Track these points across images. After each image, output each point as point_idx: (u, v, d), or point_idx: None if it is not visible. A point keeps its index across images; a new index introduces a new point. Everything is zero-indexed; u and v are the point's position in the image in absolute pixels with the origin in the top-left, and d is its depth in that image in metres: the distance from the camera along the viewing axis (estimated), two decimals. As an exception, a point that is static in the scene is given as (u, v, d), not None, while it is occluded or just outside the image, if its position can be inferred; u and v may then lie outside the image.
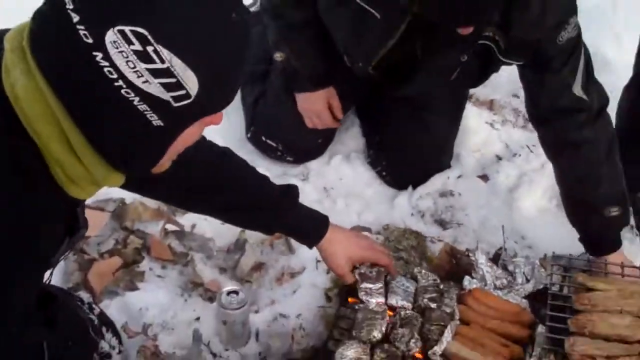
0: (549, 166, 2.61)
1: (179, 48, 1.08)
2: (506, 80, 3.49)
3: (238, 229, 2.68)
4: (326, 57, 2.70)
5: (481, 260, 2.32)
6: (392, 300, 2.19)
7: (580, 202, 2.43)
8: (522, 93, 2.58)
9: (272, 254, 2.73)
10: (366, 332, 2.05)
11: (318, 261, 2.58)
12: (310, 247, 2.14)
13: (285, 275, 2.66)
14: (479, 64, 2.41)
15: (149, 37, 1.06)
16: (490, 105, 3.63)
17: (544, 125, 2.41)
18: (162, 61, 1.08)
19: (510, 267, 2.37)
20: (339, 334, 2.15)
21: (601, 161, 2.33)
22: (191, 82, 1.11)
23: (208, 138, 1.91)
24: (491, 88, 3.54)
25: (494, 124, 3.53)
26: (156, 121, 1.15)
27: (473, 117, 3.42)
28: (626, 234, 2.73)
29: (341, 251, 2.14)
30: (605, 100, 2.31)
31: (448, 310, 2.18)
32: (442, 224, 2.98)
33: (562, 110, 2.28)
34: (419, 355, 2.01)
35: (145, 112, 1.13)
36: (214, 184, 1.96)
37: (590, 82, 2.26)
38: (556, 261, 2.36)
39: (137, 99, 1.11)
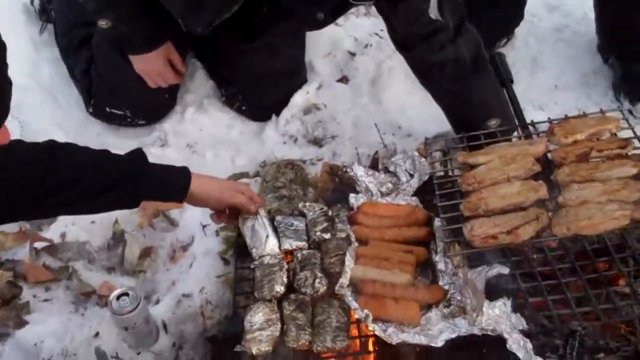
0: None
1: None
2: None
3: (111, 222, 2.51)
4: (156, 16, 2.48)
5: (360, 172, 2.23)
6: (286, 245, 2.08)
7: (460, 120, 2.40)
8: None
9: (156, 234, 2.56)
10: (268, 289, 1.94)
11: (204, 225, 2.45)
12: (180, 201, 1.99)
13: (177, 250, 2.51)
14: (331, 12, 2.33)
15: None
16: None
17: (407, 51, 2.39)
18: None
19: (392, 168, 2.29)
20: (244, 299, 2.03)
21: (468, 77, 2.31)
22: None
23: (48, 130, 1.68)
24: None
25: (337, 21, 3.37)
26: None
27: (314, 21, 3.26)
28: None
29: (215, 192, 2.04)
30: (460, 18, 2.28)
31: (343, 235, 2.09)
32: (317, 142, 2.86)
33: (421, 35, 2.27)
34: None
35: None
36: (52, 183, 1.77)
37: (444, 2, 2.21)
38: (433, 147, 2.28)
39: None
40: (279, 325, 1.86)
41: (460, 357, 1.80)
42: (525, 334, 1.77)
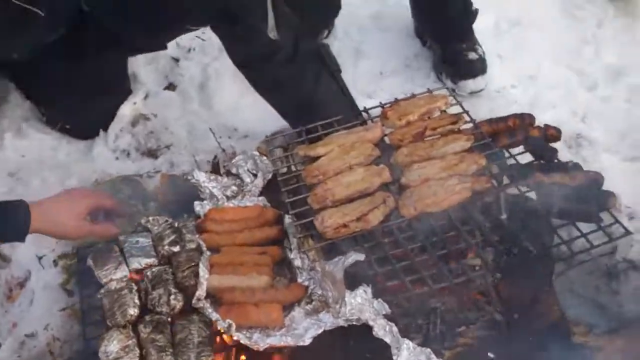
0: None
1: None
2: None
3: None
4: None
5: (202, 178, 2.16)
6: (134, 264, 1.97)
7: (297, 117, 2.38)
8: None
9: (-12, 273, 2.35)
10: (120, 315, 1.83)
11: (40, 257, 2.28)
12: (23, 239, 1.85)
13: (14, 288, 2.32)
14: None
15: None
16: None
17: (246, 68, 2.39)
18: None
19: (234, 170, 2.24)
20: (95, 329, 1.91)
21: (308, 86, 2.33)
22: None
23: None
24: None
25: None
26: None
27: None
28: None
29: (66, 215, 1.90)
30: (296, 36, 2.28)
31: (193, 245, 2.01)
32: (152, 153, 2.75)
33: (260, 55, 2.26)
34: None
35: None
36: None
37: (281, 21, 2.19)
38: (273, 144, 2.25)
39: None
40: (137, 351, 1.77)
41: (329, 351, 1.77)
42: (389, 318, 1.77)
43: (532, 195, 2.03)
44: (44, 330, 2.12)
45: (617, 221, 1.97)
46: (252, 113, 2.89)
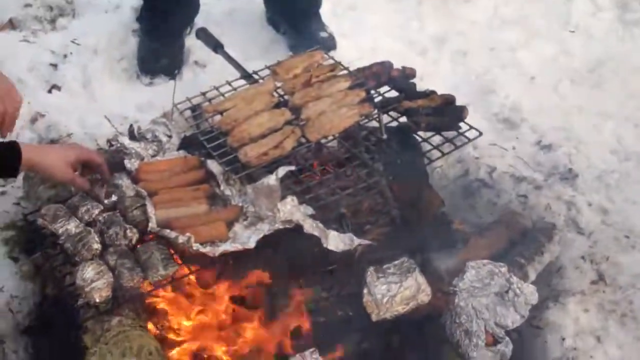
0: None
1: None
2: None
3: None
4: None
5: (126, 142, 2.45)
6: (86, 216, 2.22)
7: None
8: None
9: None
10: (86, 251, 2.10)
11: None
12: (16, 175, 2.05)
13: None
14: None
15: None
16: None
17: None
18: None
19: (149, 135, 2.54)
20: (59, 274, 2.15)
21: None
22: None
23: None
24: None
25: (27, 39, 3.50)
26: None
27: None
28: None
29: (57, 160, 2.09)
30: None
31: (131, 193, 2.30)
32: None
33: None
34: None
35: None
36: None
37: None
38: (182, 108, 2.59)
39: None
40: (110, 274, 2.04)
41: (272, 249, 2.15)
42: (314, 217, 2.18)
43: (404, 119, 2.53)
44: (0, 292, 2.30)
45: (471, 127, 2.50)
46: (133, 102, 3.23)
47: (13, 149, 1.98)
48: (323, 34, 3.40)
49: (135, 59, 3.41)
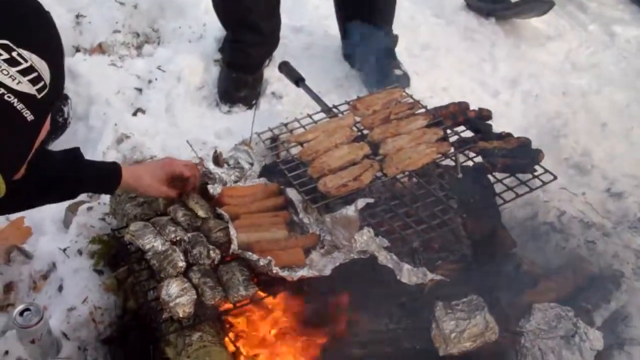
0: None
1: (34, 46, 1.37)
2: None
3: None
4: None
5: (211, 167, 2.56)
6: (172, 235, 2.34)
7: None
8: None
9: (13, 269, 2.65)
10: (171, 268, 2.20)
11: (64, 249, 2.62)
12: (113, 192, 2.34)
13: (37, 280, 2.62)
14: None
15: (11, 44, 1.33)
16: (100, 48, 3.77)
17: None
18: (25, 60, 1.35)
19: (232, 162, 2.65)
20: (144, 289, 2.26)
21: None
22: (45, 72, 1.39)
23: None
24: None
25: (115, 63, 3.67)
26: (29, 116, 1.37)
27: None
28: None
29: (150, 181, 2.32)
30: None
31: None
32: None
33: None
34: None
35: (22, 110, 1.36)
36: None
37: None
38: (263, 137, 2.71)
39: (15, 100, 1.34)
40: (194, 291, 2.14)
41: (347, 277, 2.22)
42: (389, 249, 2.25)
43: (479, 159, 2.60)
44: (84, 304, 2.43)
45: (546, 170, 2.55)
46: (212, 129, 3.36)
47: (115, 170, 2.16)
48: (397, 72, 3.49)
49: (216, 87, 3.55)
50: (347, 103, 2.80)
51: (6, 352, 2.23)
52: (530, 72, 3.86)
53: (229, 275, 2.19)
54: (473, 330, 2.21)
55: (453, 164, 2.54)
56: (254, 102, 3.49)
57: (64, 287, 2.54)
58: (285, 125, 2.76)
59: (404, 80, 3.48)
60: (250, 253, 2.19)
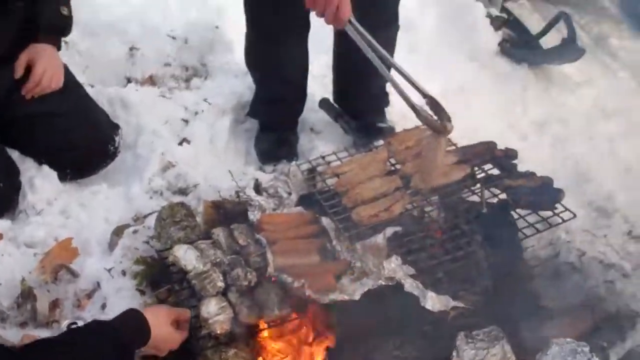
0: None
1: None
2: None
3: (14, 283, 2.76)
4: None
5: (252, 195, 2.75)
6: (212, 257, 2.51)
7: None
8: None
9: (59, 287, 2.83)
10: (211, 287, 2.38)
11: (109, 269, 2.79)
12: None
13: (82, 299, 2.79)
14: None
15: None
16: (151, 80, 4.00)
17: None
18: None
19: (271, 191, 2.84)
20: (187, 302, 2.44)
21: None
22: None
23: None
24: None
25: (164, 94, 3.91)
26: None
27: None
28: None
29: (166, 343, 2.23)
30: None
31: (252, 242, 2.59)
32: (182, 191, 3.32)
33: None
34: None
35: None
36: None
37: None
38: (302, 168, 2.89)
39: None
40: (231, 310, 2.31)
41: (375, 303, 2.38)
42: (414, 277, 2.41)
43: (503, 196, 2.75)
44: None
45: (566, 208, 2.70)
46: (253, 160, 3.55)
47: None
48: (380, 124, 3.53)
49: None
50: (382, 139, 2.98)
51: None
52: (559, 116, 4.00)
53: (265, 296, 2.36)
54: (491, 359, 2.33)
55: (479, 199, 2.68)
56: (294, 158, 3.42)
57: (107, 305, 2.70)
58: (323, 157, 2.94)
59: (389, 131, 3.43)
60: (285, 276, 2.36)
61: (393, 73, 2.60)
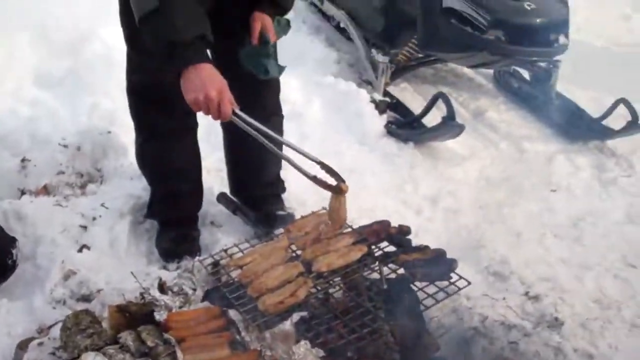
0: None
1: None
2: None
3: None
4: None
5: (157, 294, 2.76)
6: (121, 362, 2.49)
7: None
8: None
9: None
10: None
11: None
12: None
13: None
14: None
15: None
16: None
17: None
18: None
19: (176, 289, 2.85)
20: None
21: None
22: None
23: None
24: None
25: (60, 203, 3.86)
26: None
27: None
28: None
29: None
30: None
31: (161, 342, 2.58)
32: (85, 298, 3.27)
33: None
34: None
35: None
36: None
37: None
38: (204, 263, 2.93)
39: None
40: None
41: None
42: (325, 359, 2.46)
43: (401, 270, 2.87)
44: None
45: (460, 277, 2.83)
46: (155, 259, 3.56)
47: None
48: (281, 213, 3.61)
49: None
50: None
51: None
52: (449, 189, 4.21)
53: (178, 396, 2.34)
54: None
55: (379, 276, 2.79)
56: (197, 254, 3.42)
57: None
58: (225, 251, 2.99)
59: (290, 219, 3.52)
60: (197, 374, 2.36)
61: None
